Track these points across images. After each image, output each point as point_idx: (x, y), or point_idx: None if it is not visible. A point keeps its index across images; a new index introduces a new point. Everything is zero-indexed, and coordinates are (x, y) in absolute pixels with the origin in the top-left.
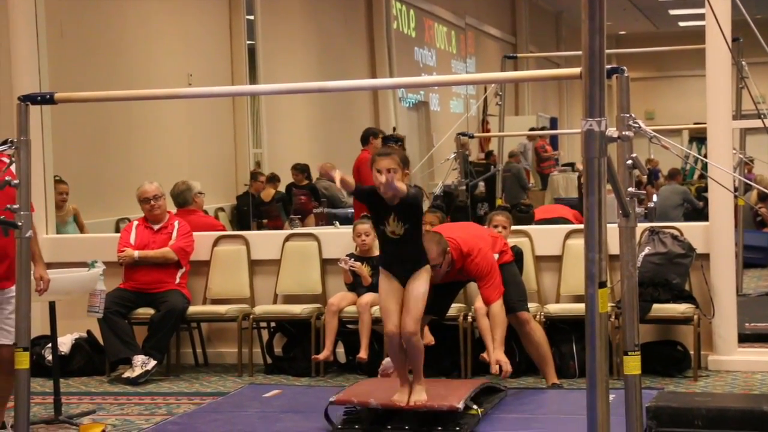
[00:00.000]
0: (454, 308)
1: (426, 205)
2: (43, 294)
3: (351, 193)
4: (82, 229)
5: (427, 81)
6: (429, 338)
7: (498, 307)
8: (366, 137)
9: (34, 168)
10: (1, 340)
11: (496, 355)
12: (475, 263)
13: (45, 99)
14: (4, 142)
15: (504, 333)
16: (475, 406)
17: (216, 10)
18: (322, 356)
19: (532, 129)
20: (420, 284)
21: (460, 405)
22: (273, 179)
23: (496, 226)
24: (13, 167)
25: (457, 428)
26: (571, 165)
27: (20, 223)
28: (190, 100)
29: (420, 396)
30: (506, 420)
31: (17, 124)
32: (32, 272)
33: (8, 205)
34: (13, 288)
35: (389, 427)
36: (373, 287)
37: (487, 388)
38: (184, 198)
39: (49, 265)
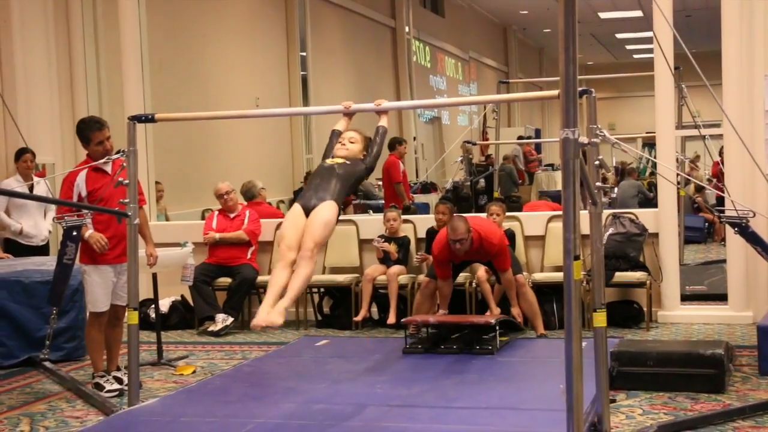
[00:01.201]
0: (462, 277)
1: (436, 197)
2: (153, 267)
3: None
4: (167, 220)
5: (439, 103)
6: None
7: (510, 274)
8: (392, 144)
9: (141, 171)
10: (118, 302)
11: (515, 311)
12: (490, 242)
13: (148, 119)
14: (118, 152)
15: (516, 293)
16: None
17: (277, 48)
18: (360, 316)
19: (520, 137)
20: (324, 211)
21: (493, 320)
22: None
23: (491, 214)
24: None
25: (489, 347)
26: (552, 165)
27: (130, 213)
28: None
29: (277, 318)
30: (507, 362)
31: (127, 137)
32: (145, 250)
33: (121, 200)
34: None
35: (442, 347)
36: (400, 261)
37: (509, 324)
38: (251, 193)
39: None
